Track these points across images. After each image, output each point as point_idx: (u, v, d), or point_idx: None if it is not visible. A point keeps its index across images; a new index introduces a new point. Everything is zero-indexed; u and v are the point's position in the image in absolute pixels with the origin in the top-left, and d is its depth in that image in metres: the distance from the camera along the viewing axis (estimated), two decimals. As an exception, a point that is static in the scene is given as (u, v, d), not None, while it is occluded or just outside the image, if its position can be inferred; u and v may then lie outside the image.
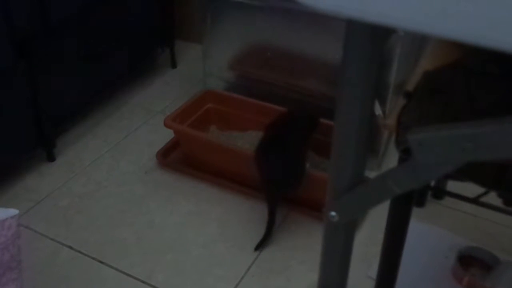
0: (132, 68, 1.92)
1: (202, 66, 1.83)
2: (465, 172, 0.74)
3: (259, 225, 1.41)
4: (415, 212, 1.44)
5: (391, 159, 1.55)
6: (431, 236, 1.38)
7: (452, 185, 1.14)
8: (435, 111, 0.74)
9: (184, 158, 1.61)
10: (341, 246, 0.57)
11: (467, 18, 0.33)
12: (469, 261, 1.28)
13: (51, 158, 1.60)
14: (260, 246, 1.35)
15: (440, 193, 1.40)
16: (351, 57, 0.46)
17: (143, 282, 1.25)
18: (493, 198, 0.81)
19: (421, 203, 1.46)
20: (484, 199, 0.87)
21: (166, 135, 1.65)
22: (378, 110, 1.51)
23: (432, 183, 1.34)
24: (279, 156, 1.37)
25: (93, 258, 1.31)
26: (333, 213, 0.55)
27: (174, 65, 2.10)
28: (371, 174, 1.47)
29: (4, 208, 0.70)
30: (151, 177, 1.58)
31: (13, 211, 0.70)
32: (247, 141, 1.62)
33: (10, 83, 1.39)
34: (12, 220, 0.69)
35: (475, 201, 0.84)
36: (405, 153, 0.77)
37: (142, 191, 1.53)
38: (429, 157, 0.44)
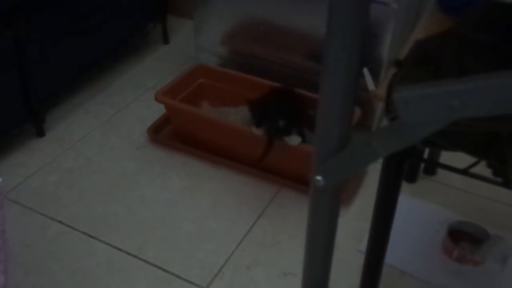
0: (123, 43, 1.89)
1: (194, 41, 1.81)
2: (455, 141, 0.74)
3: (250, 200, 1.40)
4: (407, 187, 1.45)
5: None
6: (421, 211, 1.38)
7: (444, 160, 1.13)
8: (426, 78, 0.73)
9: (175, 133, 1.60)
10: (328, 211, 0.56)
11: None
12: (459, 235, 1.28)
13: (40, 133, 1.59)
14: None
15: (431, 165, 1.40)
16: (338, 12, 0.44)
17: (134, 256, 1.25)
18: (482, 170, 0.80)
19: (413, 179, 1.46)
20: (474, 172, 0.87)
21: (157, 111, 1.63)
22: (371, 86, 1.49)
23: (425, 156, 1.34)
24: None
25: (83, 233, 1.30)
26: (318, 177, 0.54)
27: (166, 40, 2.08)
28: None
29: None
30: (142, 152, 1.57)
31: (-3, 180, 0.68)
32: (239, 116, 1.61)
33: (-3, 56, 1.37)
34: (-4, 188, 0.68)
35: (465, 172, 0.83)
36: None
37: (133, 167, 1.51)
38: (415, 116, 0.43)
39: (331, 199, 0.56)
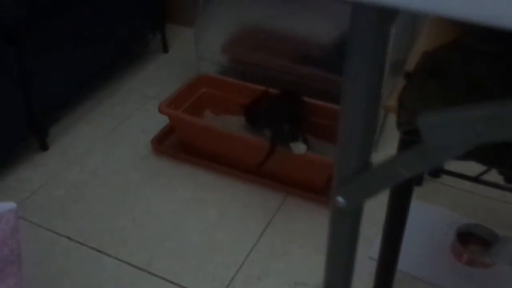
0: (123, 53, 1.89)
1: (194, 49, 1.81)
2: (468, 152, 0.74)
3: (257, 209, 1.40)
4: (413, 191, 1.44)
5: (387, 139, 1.54)
6: (429, 214, 1.38)
7: (449, 163, 1.13)
8: (436, 91, 0.73)
9: (179, 144, 1.60)
10: (348, 232, 0.56)
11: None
12: (468, 238, 1.28)
13: (44, 147, 1.58)
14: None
15: (439, 172, 1.40)
16: (358, 40, 0.44)
17: (143, 270, 1.24)
18: (492, 175, 0.80)
19: (419, 182, 1.46)
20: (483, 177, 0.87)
21: (160, 121, 1.63)
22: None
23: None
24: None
25: (91, 248, 1.30)
26: (340, 199, 0.54)
27: (165, 49, 2.07)
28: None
29: (1, 202, 0.69)
30: (147, 164, 1.56)
31: (11, 205, 0.68)
32: (242, 125, 1.61)
33: (0, 71, 1.36)
34: (10, 214, 0.67)
35: (476, 179, 0.83)
36: (408, 135, 0.77)
37: (138, 179, 1.51)
38: (440, 140, 0.43)
39: (352, 220, 0.56)
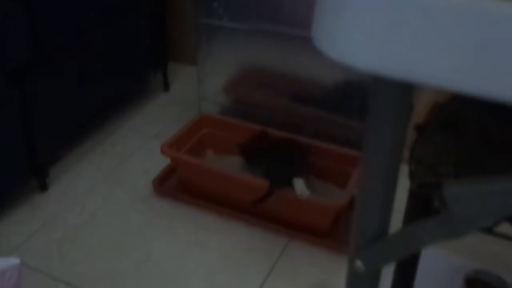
0: (124, 93, 1.89)
1: (195, 88, 1.81)
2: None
3: (260, 253, 1.38)
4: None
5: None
6: (436, 259, 1.36)
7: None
8: (449, 144, 0.73)
9: (181, 185, 1.58)
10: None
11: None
12: (476, 284, 1.26)
13: (43, 187, 1.56)
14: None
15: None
16: (379, 112, 0.43)
17: (143, 317, 1.21)
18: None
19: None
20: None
21: (161, 161, 1.61)
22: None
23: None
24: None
25: (90, 294, 1.27)
26: (358, 262, 0.52)
27: (167, 88, 2.08)
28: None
29: (5, 257, 0.67)
30: (148, 205, 1.54)
31: (14, 261, 0.66)
32: (244, 165, 1.59)
33: (2, 113, 1.35)
34: (13, 270, 0.65)
35: (489, 231, 0.82)
36: (420, 188, 0.75)
37: (139, 221, 1.49)
38: (466, 210, 0.42)
39: (369, 284, 0.54)
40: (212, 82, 1.74)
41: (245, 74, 1.70)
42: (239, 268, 1.34)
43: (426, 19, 0.29)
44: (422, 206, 0.84)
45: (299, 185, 1.36)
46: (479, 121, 0.73)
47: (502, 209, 0.41)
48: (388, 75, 0.32)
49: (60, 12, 1.45)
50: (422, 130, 0.77)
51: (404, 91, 0.40)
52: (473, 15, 0.30)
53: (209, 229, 1.46)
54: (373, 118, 0.42)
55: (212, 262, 1.36)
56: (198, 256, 1.37)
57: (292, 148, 1.53)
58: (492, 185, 0.41)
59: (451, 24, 0.29)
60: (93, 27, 1.60)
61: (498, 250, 1.37)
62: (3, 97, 1.33)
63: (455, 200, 0.42)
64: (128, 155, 1.74)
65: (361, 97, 1.53)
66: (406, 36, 0.30)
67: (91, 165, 1.69)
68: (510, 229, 0.78)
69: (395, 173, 0.46)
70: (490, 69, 0.31)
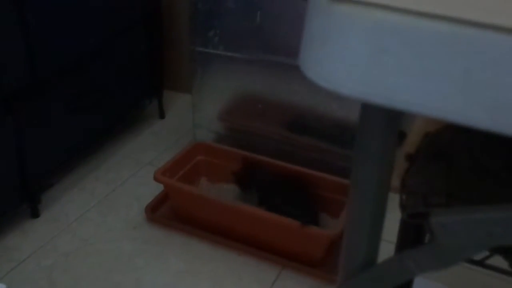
0: (119, 120, 1.89)
1: (190, 116, 1.81)
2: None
3: (251, 283, 1.36)
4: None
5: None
6: (429, 292, 1.35)
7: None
8: (440, 174, 0.73)
9: (174, 212, 1.57)
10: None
11: (501, 108, 0.31)
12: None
13: (35, 214, 1.55)
14: None
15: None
16: (366, 138, 0.44)
17: None
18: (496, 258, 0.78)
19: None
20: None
21: (155, 188, 1.61)
22: None
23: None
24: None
25: (79, 323, 1.24)
26: (346, 293, 0.51)
27: (162, 115, 2.08)
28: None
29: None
30: (140, 232, 1.53)
31: (1, 286, 0.65)
32: (238, 193, 1.59)
33: (-5, 139, 1.35)
34: (-2, 297, 0.64)
35: (481, 263, 0.81)
36: (410, 218, 0.75)
37: (130, 248, 1.47)
38: (453, 241, 0.42)
39: (358, 314, 0.53)
40: (207, 110, 1.75)
41: (240, 102, 1.71)
42: (230, 297, 1.32)
43: (409, 46, 0.30)
44: (413, 236, 0.84)
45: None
46: (471, 151, 0.73)
47: (490, 240, 0.41)
48: (373, 102, 0.32)
49: (58, 39, 1.46)
50: (414, 159, 0.78)
51: (390, 118, 0.40)
52: (458, 42, 0.30)
53: (201, 257, 1.44)
54: (360, 145, 0.42)
55: (204, 291, 1.34)
56: (189, 285, 1.36)
57: (288, 178, 1.53)
58: (479, 214, 0.40)
59: (435, 51, 0.30)
60: (90, 54, 1.62)
61: (490, 283, 1.36)
62: (-2, 123, 1.33)
63: (442, 229, 0.42)
64: (121, 182, 1.73)
65: (355, 127, 1.53)
66: (389, 63, 0.30)
67: (83, 192, 1.68)
68: (503, 263, 0.77)
69: (383, 201, 0.46)
70: (475, 97, 0.32)
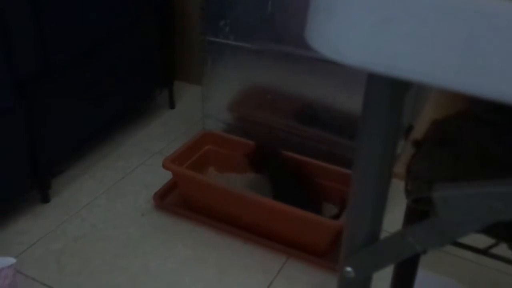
0: (130, 109, 1.91)
1: (200, 107, 1.83)
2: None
3: (257, 271, 1.37)
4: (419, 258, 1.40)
5: (389, 205, 1.53)
6: (434, 285, 1.35)
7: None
8: (446, 160, 0.73)
9: (181, 200, 1.58)
10: (357, 304, 0.54)
11: (503, 76, 0.32)
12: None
13: (45, 199, 1.57)
14: None
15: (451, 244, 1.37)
16: (371, 110, 0.44)
17: (138, 331, 1.20)
18: (501, 248, 0.79)
19: (424, 250, 1.43)
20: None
21: (163, 177, 1.62)
22: None
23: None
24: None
25: (86, 305, 1.26)
26: (349, 269, 0.52)
27: (172, 105, 2.10)
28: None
29: (0, 257, 0.67)
30: (148, 219, 1.54)
31: (10, 260, 0.67)
32: (245, 183, 1.60)
33: (8, 124, 1.37)
34: (9, 269, 0.66)
35: (485, 252, 0.82)
36: (417, 203, 0.76)
37: (138, 234, 1.49)
38: (454, 215, 0.42)
39: (360, 291, 0.54)
40: (216, 100, 1.76)
41: (249, 92, 1.72)
42: (236, 284, 1.33)
43: (413, 15, 0.31)
44: (418, 222, 0.84)
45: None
46: (477, 138, 0.74)
47: (491, 215, 0.41)
48: (378, 71, 0.33)
49: (70, 27, 1.48)
50: (420, 146, 0.78)
51: (395, 89, 0.41)
52: (462, 9, 0.31)
53: (208, 245, 1.46)
54: (365, 118, 0.43)
55: (209, 278, 1.35)
56: (195, 272, 1.37)
57: (298, 169, 1.54)
58: (480, 188, 0.41)
59: (438, 19, 0.30)
60: (102, 43, 1.63)
61: (497, 279, 1.36)
62: (9, 108, 1.35)
63: (443, 203, 0.42)
64: (130, 170, 1.75)
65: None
66: (394, 32, 0.31)
67: (93, 179, 1.70)
68: (509, 253, 0.77)
69: (387, 176, 0.47)
70: (478, 65, 0.32)
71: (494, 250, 0.85)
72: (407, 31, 0.31)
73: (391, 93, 0.43)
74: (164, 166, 1.51)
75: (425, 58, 0.31)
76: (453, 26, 0.30)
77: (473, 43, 0.30)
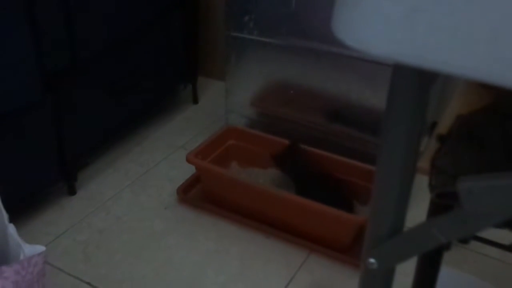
0: (154, 104, 1.93)
1: (223, 102, 1.84)
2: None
3: (279, 265, 1.38)
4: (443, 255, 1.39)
5: (413, 200, 1.52)
6: (457, 283, 1.34)
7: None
8: (470, 155, 0.73)
9: (204, 194, 1.60)
10: (380, 295, 0.55)
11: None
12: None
13: (72, 191, 1.60)
14: None
15: (469, 238, 1.36)
16: (397, 102, 0.45)
17: (161, 321, 1.22)
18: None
19: (448, 246, 1.42)
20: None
21: (186, 171, 1.64)
22: None
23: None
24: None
25: (111, 295, 1.29)
26: (372, 260, 0.53)
27: (195, 100, 2.12)
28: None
29: (30, 244, 0.69)
30: (171, 213, 1.56)
31: (40, 248, 0.69)
32: (268, 178, 1.61)
33: (36, 118, 1.40)
34: (39, 257, 0.68)
35: (510, 249, 0.81)
36: (441, 197, 0.76)
37: (162, 227, 1.51)
38: (479, 206, 0.43)
39: (383, 283, 0.55)
40: (239, 95, 1.77)
41: (273, 88, 1.73)
42: (257, 278, 1.35)
43: (440, 5, 0.31)
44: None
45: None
46: (504, 133, 0.73)
47: (515, 206, 0.41)
48: (404, 62, 0.33)
49: (98, 23, 1.50)
50: (445, 140, 0.78)
51: (421, 79, 0.41)
52: (490, 1, 0.31)
53: (230, 239, 1.47)
54: (390, 108, 0.44)
55: (231, 271, 1.37)
56: (217, 264, 1.39)
57: (321, 166, 1.54)
58: (505, 181, 0.41)
59: (468, 7, 0.30)
60: (128, 38, 1.66)
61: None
62: (38, 102, 1.38)
63: (468, 195, 0.43)
64: (154, 164, 1.77)
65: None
66: (421, 22, 0.31)
67: (118, 172, 1.73)
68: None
69: (411, 168, 0.47)
70: (509, 56, 0.32)
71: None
72: (435, 21, 0.31)
73: (417, 84, 0.43)
74: (188, 160, 1.53)
75: (454, 48, 0.31)
76: (483, 14, 0.30)
77: (504, 32, 0.30)
